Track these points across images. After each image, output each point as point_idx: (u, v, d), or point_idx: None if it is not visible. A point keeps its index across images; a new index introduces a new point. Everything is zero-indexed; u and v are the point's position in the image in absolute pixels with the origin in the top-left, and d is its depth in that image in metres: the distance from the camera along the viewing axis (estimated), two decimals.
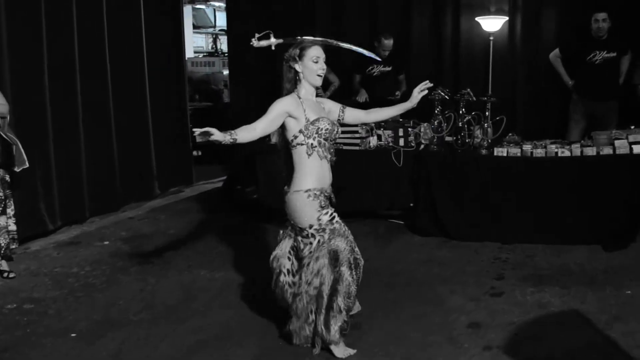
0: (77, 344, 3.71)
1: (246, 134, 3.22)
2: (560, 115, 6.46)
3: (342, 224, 3.47)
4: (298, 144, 3.36)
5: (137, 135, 7.21)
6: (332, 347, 3.45)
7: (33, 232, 5.67)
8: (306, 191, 3.36)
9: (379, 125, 5.90)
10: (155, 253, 5.38)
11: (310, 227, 3.38)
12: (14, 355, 3.56)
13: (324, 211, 3.40)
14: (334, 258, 3.40)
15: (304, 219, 3.39)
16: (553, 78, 6.55)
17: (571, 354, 3.45)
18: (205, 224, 6.32)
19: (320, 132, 3.37)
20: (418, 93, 3.63)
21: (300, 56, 3.37)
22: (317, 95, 3.54)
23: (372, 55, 4.03)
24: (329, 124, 3.42)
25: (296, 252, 3.53)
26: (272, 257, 3.59)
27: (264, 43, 3.35)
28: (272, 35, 3.35)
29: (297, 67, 3.38)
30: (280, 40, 3.39)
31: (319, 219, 3.38)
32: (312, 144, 3.37)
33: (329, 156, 3.44)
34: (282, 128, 3.38)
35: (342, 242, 3.41)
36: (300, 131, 3.34)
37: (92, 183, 6.44)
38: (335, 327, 3.40)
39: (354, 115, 3.68)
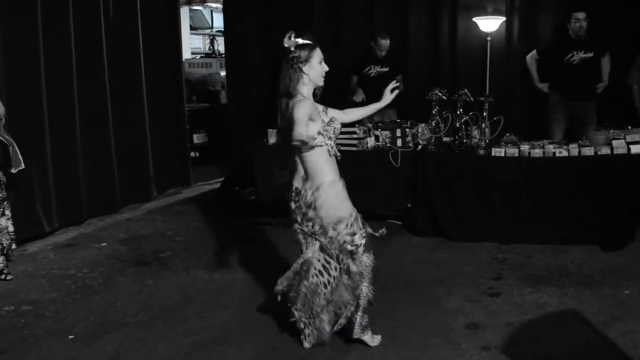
0: (75, 345, 3.70)
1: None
2: (547, 118, 6.45)
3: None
4: (317, 145, 3.36)
5: (135, 136, 7.21)
6: (366, 337, 3.58)
7: (30, 234, 5.66)
8: (332, 182, 3.39)
9: (376, 125, 5.91)
10: (152, 254, 5.38)
11: (344, 217, 3.41)
12: (12, 357, 3.56)
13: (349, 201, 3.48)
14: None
15: (336, 211, 3.40)
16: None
17: (569, 354, 3.45)
18: (202, 226, 6.31)
19: (335, 132, 3.44)
20: (390, 92, 3.74)
21: (308, 58, 3.39)
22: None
23: None
24: (339, 124, 3.49)
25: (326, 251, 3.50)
26: (301, 261, 3.54)
27: (292, 42, 3.41)
28: (293, 35, 3.40)
29: (305, 68, 3.39)
30: (299, 40, 3.44)
31: (349, 208, 3.45)
32: (331, 144, 3.42)
33: (338, 153, 3.50)
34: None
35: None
36: (319, 133, 3.36)
37: (90, 185, 6.43)
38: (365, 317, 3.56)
39: (335, 115, 3.68)
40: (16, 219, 4.97)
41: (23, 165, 4.89)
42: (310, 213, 3.42)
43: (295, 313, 3.53)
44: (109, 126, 6.74)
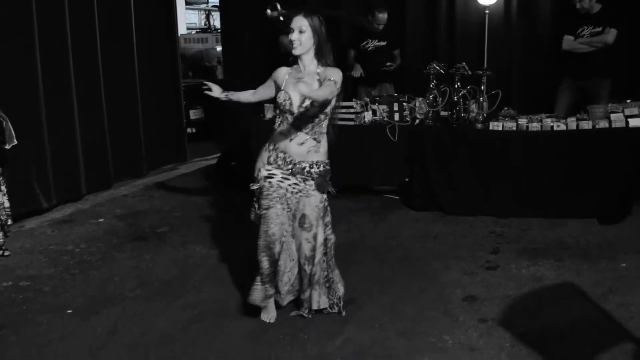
0: (73, 320, 3.71)
1: None
2: (556, 89, 6.41)
3: None
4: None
5: (130, 112, 7.18)
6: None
7: (27, 210, 5.65)
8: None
9: (374, 100, 5.88)
10: (150, 230, 5.38)
11: None
12: (10, 333, 3.56)
13: None
14: None
15: None
16: (548, 52, 6.49)
17: (566, 326, 3.47)
18: (199, 201, 6.30)
19: None
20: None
21: None
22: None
23: None
24: None
25: None
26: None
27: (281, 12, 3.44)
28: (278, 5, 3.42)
29: None
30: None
31: None
32: None
33: None
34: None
35: None
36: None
37: (87, 161, 6.41)
38: None
39: None
40: (13, 196, 4.95)
41: (16, 141, 4.86)
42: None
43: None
44: (103, 101, 6.69)
